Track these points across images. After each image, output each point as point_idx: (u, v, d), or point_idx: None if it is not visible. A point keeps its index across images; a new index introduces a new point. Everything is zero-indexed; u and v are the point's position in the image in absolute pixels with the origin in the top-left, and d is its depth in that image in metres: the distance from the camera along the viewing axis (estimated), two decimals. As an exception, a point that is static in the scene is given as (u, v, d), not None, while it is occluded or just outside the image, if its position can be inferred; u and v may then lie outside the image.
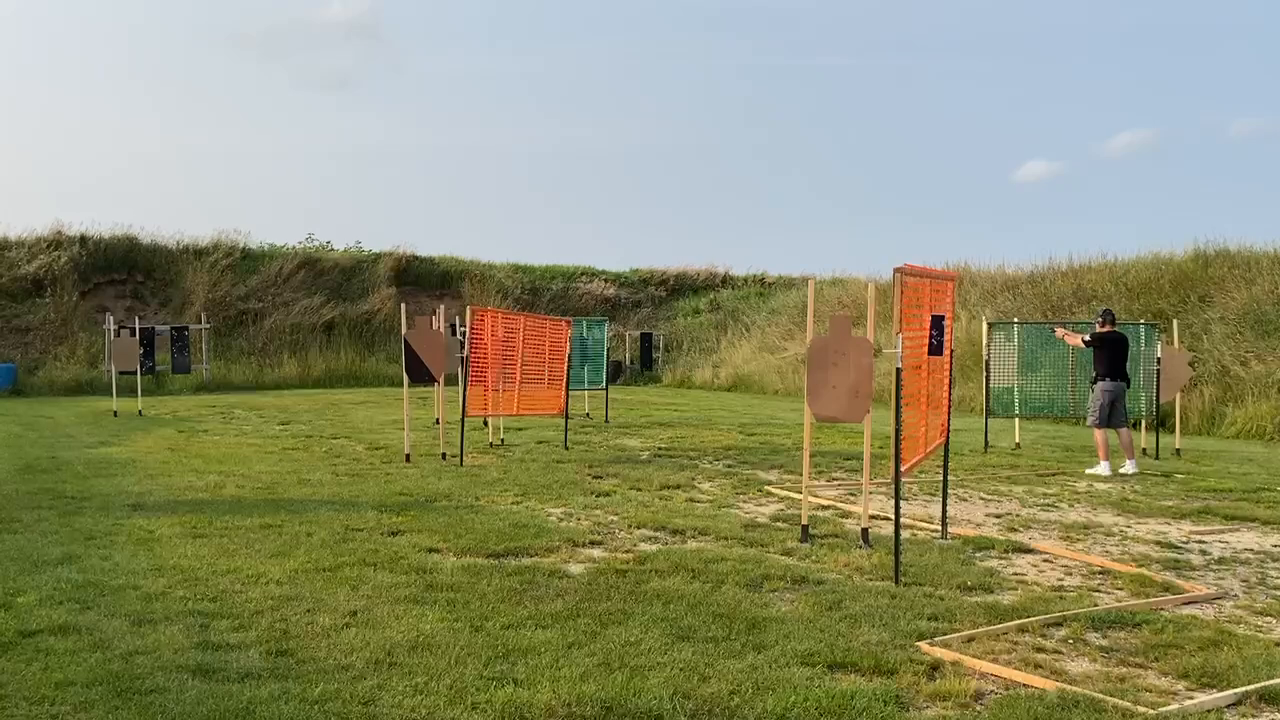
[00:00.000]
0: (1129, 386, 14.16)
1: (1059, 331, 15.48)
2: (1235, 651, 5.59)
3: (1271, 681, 5.08)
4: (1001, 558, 8.06)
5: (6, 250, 30.82)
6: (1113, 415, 13.47)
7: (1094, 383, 13.72)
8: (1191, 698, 4.92)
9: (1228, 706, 4.83)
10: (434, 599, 6.47)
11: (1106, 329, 13.72)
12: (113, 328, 23.52)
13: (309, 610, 6.20)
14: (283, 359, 30.58)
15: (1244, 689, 5.00)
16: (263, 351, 30.87)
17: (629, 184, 70.48)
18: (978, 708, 4.78)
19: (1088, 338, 13.81)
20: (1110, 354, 13.62)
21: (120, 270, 31.65)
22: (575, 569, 7.41)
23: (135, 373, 22.02)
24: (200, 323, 29.51)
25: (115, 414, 20.14)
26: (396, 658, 5.32)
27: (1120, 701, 4.78)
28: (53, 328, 29.01)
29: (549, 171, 71.02)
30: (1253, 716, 4.74)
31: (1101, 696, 4.84)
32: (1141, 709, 4.69)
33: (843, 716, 4.60)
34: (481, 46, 74.32)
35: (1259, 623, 6.31)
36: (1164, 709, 4.72)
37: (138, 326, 23.37)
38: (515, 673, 5.10)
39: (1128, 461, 13.32)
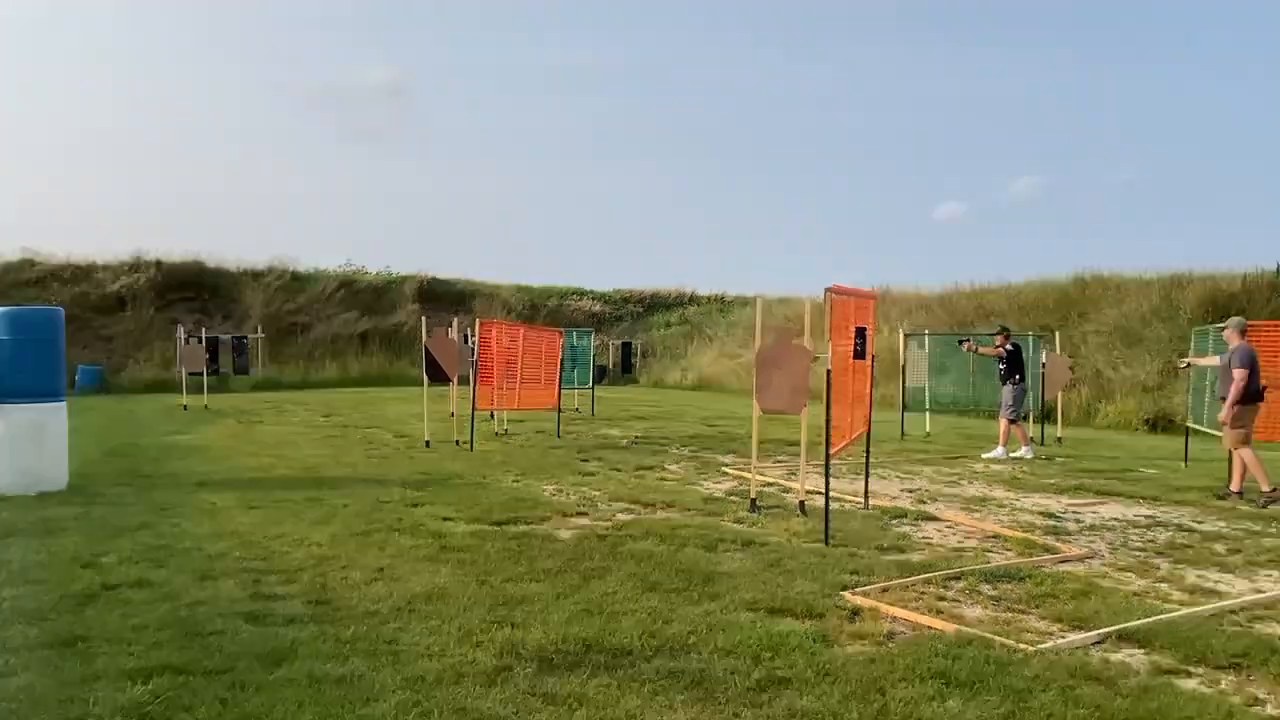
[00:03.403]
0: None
1: (967, 345, 15.46)
2: (1100, 600, 5.64)
3: (1129, 624, 5.13)
4: (912, 524, 8.10)
5: (95, 272, 30.66)
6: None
7: (1017, 383, 13.49)
8: (1064, 637, 4.96)
9: (1093, 644, 4.87)
10: (447, 558, 6.46)
11: (1009, 341, 13.79)
12: (183, 337, 23.33)
13: (344, 567, 6.18)
14: (325, 363, 30.46)
15: (1106, 630, 5.05)
16: (309, 357, 30.72)
17: (613, 218, 70.47)
18: (890, 645, 4.80)
19: (1011, 347, 13.67)
20: (1019, 359, 13.73)
21: (190, 289, 31.46)
22: (564, 534, 7.40)
23: (202, 374, 21.90)
24: (256, 333, 29.28)
25: (185, 408, 20.03)
26: (415, 606, 5.30)
27: (1006, 640, 4.81)
28: (133, 337, 28.80)
29: (547, 208, 70.90)
30: (1113, 652, 4.78)
31: (991, 636, 4.87)
32: (1023, 646, 4.73)
33: (779, 651, 4.61)
34: (492, 107, 74.25)
35: (1120, 577, 6.37)
36: (1041, 646, 4.76)
37: (204, 336, 23.24)
38: (513, 617, 5.09)
39: (1024, 447, 13.36)
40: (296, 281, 33.71)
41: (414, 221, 67.72)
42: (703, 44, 72.97)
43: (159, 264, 31.27)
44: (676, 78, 72.05)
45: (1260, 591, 6.01)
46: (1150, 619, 5.23)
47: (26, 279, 29.19)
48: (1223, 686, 4.33)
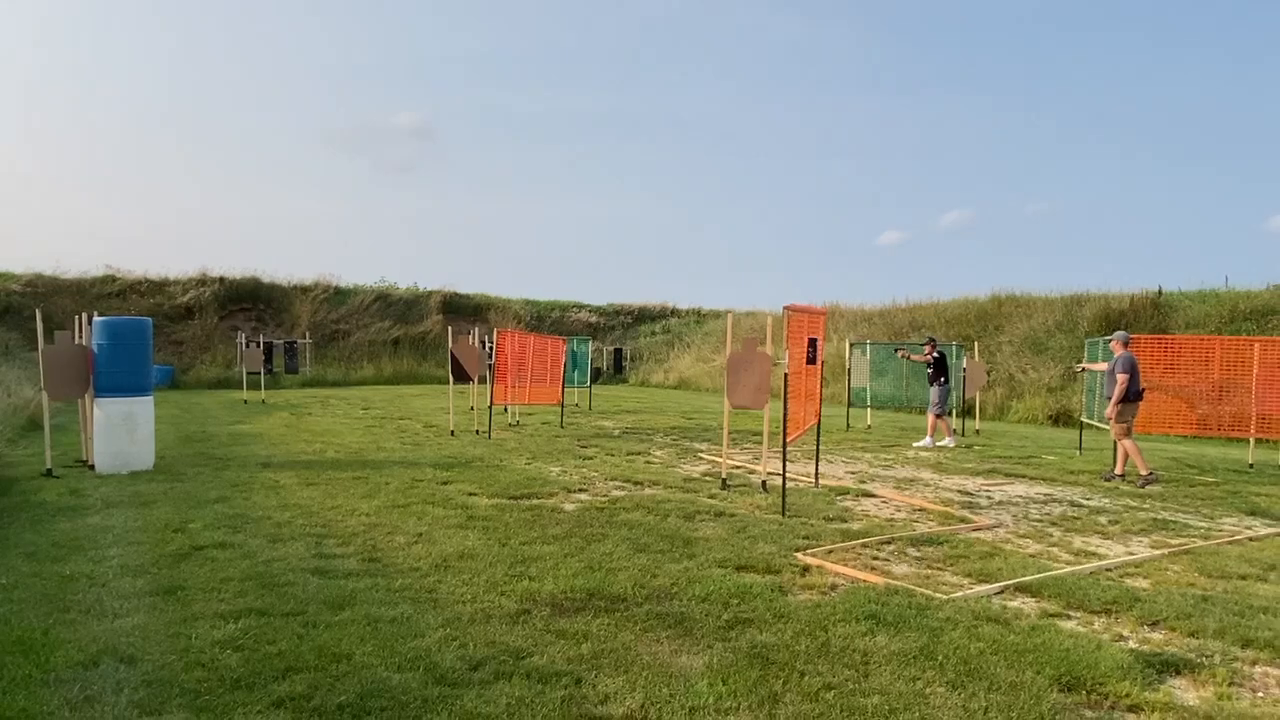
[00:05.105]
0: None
1: (901, 352, 15.72)
2: (1003, 560, 5.84)
3: (1025, 579, 5.35)
4: (853, 500, 8.24)
5: (167, 286, 30.52)
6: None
7: (942, 384, 13.48)
8: (972, 589, 5.17)
9: (995, 594, 5.09)
10: (474, 525, 6.59)
11: (936, 349, 14.00)
12: (243, 341, 23.39)
13: (389, 533, 6.32)
14: (363, 364, 30.42)
15: (1006, 583, 5.26)
16: (349, 359, 30.71)
17: (607, 242, 70.59)
18: (833, 595, 4.99)
19: (937, 354, 13.73)
20: (945, 364, 13.94)
21: (248, 301, 31.35)
22: (569, 506, 7.52)
23: (259, 373, 21.92)
24: (305, 338, 29.28)
25: (245, 402, 20.05)
26: (450, 563, 5.46)
27: (926, 591, 5.03)
28: (200, 341, 28.73)
29: (551, 232, 70.98)
30: (1010, 600, 4.99)
31: (913, 588, 5.09)
32: (939, 595, 4.94)
33: (745, 599, 4.80)
34: (504, 146, 74.27)
35: (1020, 542, 6.56)
36: (953, 595, 4.98)
37: (261, 340, 23.30)
38: (529, 572, 5.26)
39: (947, 438, 13.50)
40: (338, 295, 33.67)
41: (438, 243, 67.73)
42: (686, 95, 73.24)
43: (222, 279, 31.19)
44: (662, 124, 72.36)
45: (1131, 554, 6.26)
46: (1041, 575, 5.44)
47: (109, 291, 29.07)
48: (1095, 626, 4.58)
